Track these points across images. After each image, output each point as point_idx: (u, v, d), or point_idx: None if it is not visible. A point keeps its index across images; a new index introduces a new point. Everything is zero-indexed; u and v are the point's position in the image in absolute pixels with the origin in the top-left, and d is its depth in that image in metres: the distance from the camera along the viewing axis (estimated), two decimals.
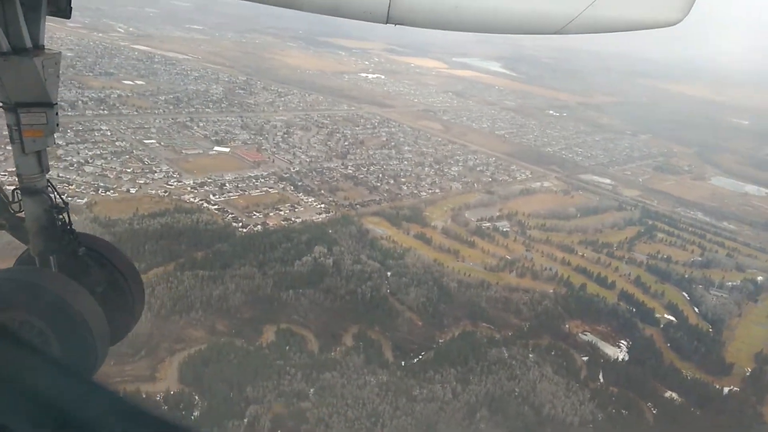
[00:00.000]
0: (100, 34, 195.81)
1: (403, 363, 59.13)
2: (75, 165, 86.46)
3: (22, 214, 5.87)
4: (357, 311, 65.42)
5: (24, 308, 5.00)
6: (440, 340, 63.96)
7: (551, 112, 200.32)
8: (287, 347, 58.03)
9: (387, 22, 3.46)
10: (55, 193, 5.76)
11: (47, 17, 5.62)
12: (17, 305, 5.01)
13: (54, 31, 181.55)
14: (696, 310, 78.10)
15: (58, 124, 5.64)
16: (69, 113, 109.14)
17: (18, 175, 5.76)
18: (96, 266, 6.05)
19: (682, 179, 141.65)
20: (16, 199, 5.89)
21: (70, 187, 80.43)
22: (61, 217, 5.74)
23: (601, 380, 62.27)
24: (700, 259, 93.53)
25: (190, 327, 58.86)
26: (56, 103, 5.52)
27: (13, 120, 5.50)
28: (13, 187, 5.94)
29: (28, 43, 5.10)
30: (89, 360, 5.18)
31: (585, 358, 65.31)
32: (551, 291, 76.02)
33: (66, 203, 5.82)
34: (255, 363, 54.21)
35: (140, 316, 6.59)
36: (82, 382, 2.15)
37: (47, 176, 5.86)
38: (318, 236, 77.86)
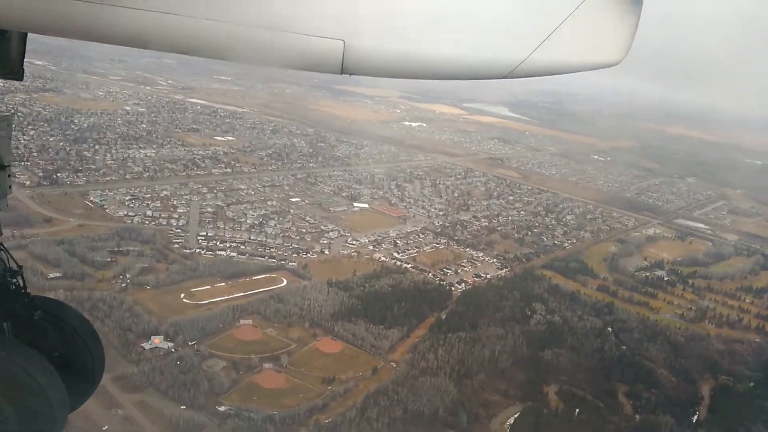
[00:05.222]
0: (149, 88, 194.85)
1: (693, 419, 59.68)
2: (255, 227, 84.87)
3: None
4: (614, 369, 66.07)
5: None
6: (702, 395, 64.76)
7: (595, 156, 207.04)
8: (580, 409, 58.01)
9: (342, 73, 3.51)
10: (9, 256, 5.39)
11: None
12: None
13: (109, 86, 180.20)
14: None
15: (10, 186, 5.37)
16: (199, 172, 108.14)
17: None
18: (53, 330, 5.74)
19: (759, 221, 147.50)
20: None
21: (270, 249, 79.06)
22: (14, 281, 5.43)
23: None
24: None
25: (484, 391, 58.45)
26: (8, 165, 5.31)
27: None
28: None
29: None
30: (47, 429, 4.94)
31: None
32: (758, 340, 77.98)
33: (20, 266, 5.47)
34: (581, 427, 53.89)
35: (100, 379, 6.05)
36: None
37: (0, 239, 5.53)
38: (524, 293, 78.44)
